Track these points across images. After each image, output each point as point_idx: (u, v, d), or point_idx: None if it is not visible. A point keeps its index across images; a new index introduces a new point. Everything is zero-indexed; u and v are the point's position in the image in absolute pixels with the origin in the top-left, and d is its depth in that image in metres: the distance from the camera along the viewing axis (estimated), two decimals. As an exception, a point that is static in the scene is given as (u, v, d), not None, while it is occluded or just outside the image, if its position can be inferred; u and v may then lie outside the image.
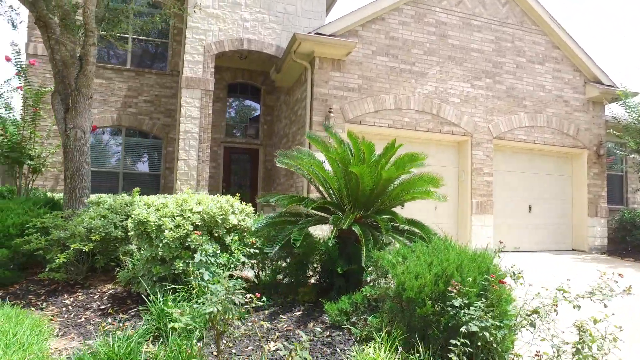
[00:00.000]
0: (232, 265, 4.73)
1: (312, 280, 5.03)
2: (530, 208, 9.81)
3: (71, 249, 4.74)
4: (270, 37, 10.18)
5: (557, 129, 9.86)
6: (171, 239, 4.16)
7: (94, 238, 4.84)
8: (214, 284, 2.82)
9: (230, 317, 2.58)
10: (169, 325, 2.85)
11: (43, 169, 8.96)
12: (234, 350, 3.25)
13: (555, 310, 2.97)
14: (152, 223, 4.24)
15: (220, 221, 4.47)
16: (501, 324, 3.09)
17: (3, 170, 9.19)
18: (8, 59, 9.49)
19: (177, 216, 4.31)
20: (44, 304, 4.51)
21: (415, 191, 4.62)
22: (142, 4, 9.86)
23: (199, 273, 3.40)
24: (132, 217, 4.38)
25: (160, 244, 4.21)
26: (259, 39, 10.14)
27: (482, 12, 9.47)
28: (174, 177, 10.12)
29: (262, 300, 4.70)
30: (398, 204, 4.85)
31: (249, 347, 3.35)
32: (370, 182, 4.39)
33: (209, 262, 3.54)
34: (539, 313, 2.98)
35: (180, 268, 4.24)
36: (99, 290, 4.90)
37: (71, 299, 4.62)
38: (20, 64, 9.03)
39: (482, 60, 9.38)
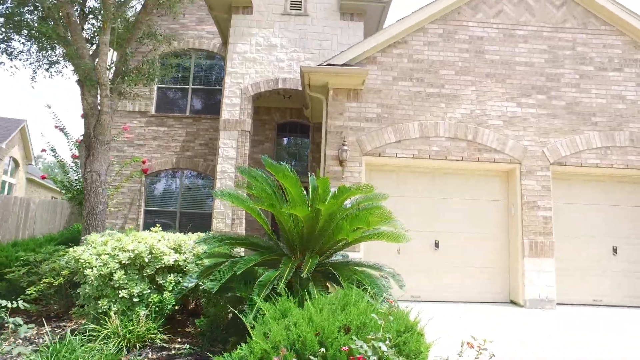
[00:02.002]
0: (167, 307, 4.55)
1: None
2: (615, 250, 7.67)
3: (41, 282, 5.11)
4: (305, 75, 10.21)
5: (648, 148, 7.72)
6: (93, 277, 4.18)
7: (64, 273, 5.15)
8: None
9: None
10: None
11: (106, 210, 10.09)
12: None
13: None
14: (82, 261, 4.34)
15: (147, 260, 4.37)
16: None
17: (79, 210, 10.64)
18: (83, 117, 11.17)
19: (105, 254, 4.35)
20: (10, 335, 4.87)
21: (351, 232, 3.92)
22: (164, 56, 10.81)
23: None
24: (68, 254, 4.56)
25: (88, 282, 4.26)
26: (294, 77, 10.26)
27: (529, 20, 8.14)
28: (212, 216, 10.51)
29: (184, 347, 4.40)
30: (339, 248, 4.16)
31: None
32: (290, 222, 3.86)
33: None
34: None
35: (104, 307, 4.22)
36: (68, 325, 5.14)
37: (34, 331, 4.91)
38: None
39: (531, 74, 7.96)
